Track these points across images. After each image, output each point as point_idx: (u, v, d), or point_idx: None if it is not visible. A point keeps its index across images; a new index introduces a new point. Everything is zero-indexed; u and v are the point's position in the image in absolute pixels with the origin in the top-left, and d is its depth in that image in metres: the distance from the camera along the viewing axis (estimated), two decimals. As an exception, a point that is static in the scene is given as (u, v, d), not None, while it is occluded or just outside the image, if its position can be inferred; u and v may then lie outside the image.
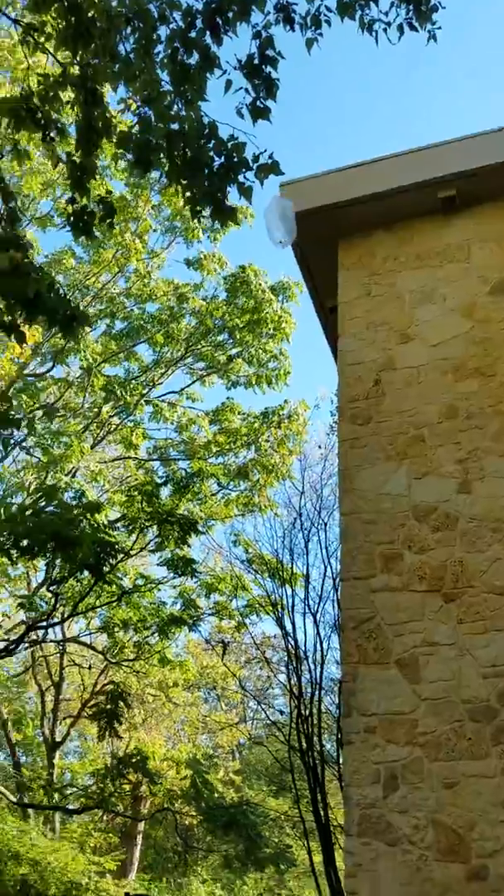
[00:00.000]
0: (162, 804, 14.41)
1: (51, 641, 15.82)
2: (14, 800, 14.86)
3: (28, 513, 7.81)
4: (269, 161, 3.99)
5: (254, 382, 14.46)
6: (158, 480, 11.22)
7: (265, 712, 13.69)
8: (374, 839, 4.94)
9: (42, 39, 3.77)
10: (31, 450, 13.34)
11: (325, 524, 10.37)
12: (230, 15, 3.54)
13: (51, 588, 9.85)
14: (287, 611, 10.38)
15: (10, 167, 11.21)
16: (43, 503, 8.29)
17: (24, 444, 13.20)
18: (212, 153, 3.78)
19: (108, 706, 10.88)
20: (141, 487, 10.01)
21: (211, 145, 3.76)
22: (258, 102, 3.75)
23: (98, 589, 10.28)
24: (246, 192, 4.03)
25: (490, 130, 6.61)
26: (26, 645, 13.18)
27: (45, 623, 11.02)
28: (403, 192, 6.94)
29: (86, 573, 8.96)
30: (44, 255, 15.29)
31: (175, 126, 3.66)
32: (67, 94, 3.87)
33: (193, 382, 15.57)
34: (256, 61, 3.69)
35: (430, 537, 5.68)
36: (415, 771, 5.03)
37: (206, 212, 4.06)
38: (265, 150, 3.89)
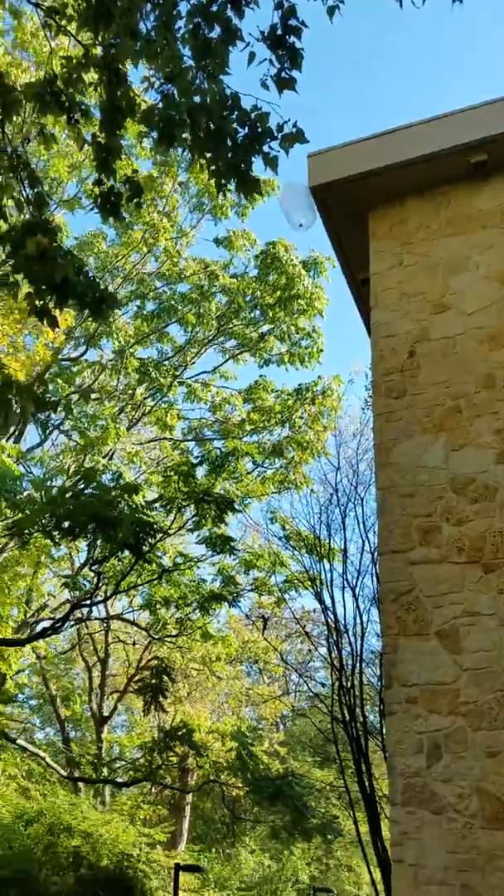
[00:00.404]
0: (208, 776, 14.67)
1: (95, 619, 16.13)
2: (64, 774, 15.25)
3: (68, 495, 7.93)
4: (294, 130, 3.95)
5: (286, 360, 14.40)
6: (194, 461, 11.29)
7: (307, 685, 13.80)
8: (418, 808, 4.99)
9: (63, 22, 3.76)
10: (69, 433, 13.51)
11: (362, 499, 10.37)
12: (251, -14, 3.50)
13: (93, 568, 10.02)
14: (326, 586, 10.44)
15: (36, 150, 11.27)
16: (82, 486, 8.41)
17: (62, 427, 13.37)
18: (235, 125, 3.75)
19: (153, 681, 11.08)
20: (177, 468, 10.09)
21: (234, 117, 3.73)
22: (283, 73, 3.71)
23: (139, 568, 10.43)
24: (271, 163, 4.00)
25: (522, 92, 6.43)
26: (72, 623, 13.46)
27: (88, 602, 11.23)
28: (434, 159, 6.79)
29: (126, 553, 9.09)
30: (74, 238, 15.37)
31: (197, 99, 3.64)
32: (91, 76, 3.87)
33: (226, 361, 15.57)
34: (279, 32, 3.64)
35: (469, 509, 5.64)
36: (458, 740, 5.05)
37: (232, 185, 4.02)
38: (289, 120, 3.85)
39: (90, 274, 4.02)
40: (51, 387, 13.52)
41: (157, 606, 12.36)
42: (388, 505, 5.96)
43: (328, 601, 10.31)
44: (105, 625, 18.13)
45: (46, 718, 23.93)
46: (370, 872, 10.07)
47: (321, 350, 14.37)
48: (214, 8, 3.47)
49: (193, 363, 15.38)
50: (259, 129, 3.79)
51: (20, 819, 13.62)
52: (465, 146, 6.54)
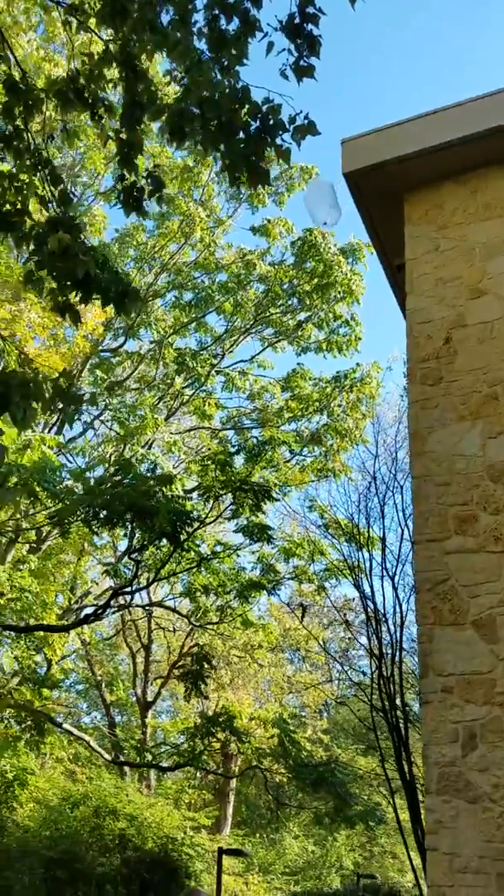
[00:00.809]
0: (250, 762, 14.81)
1: (137, 606, 16.36)
2: (109, 758, 15.55)
3: (106, 486, 8.03)
4: (306, 122, 3.94)
5: (324, 348, 14.32)
6: (231, 450, 11.33)
7: (346, 673, 13.81)
8: (454, 797, 4.97)
9: (83, 18, 3.78)
10: (109, 424, 13.68)
11: (402, 487, 10.30)
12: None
13: (132, 556, 10.16)
14: (365, 574, 10.41)
15: (72, 144, 11.34)
16: (119, 476, 8.51)
17: (101, 417, 13.54)
18: (247, 117, 3.74)
19: (194, 667, 11.21)
20: (214, 457, 10.15)
21: (245, 110, 3.72)
22: (301, 62, 3.69)
23: (178, 556, 10.55)
24: (284, 155, 3.99)
25: None
26: (114, 609, 13.68)
27: (128, 589, 11.39)
28: (471, 141, 6.66)
29: (164, 541, 9.19)
30: (115, 230, 15.50)
31: (206, 93, 3.63)
32: (112, 72, 3.89)
33: (263, 350, 15.57)
34: (297, 20, 3.61)
35: (506, 497, 5.57)
36: (493, 730, 5.02)
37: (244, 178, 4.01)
38: (301, 111, 3.84)
39: (116, 270, 4.05)
40: (91, 377, 13.72)
41: (197, 594, 12.48)
42: (423, 493, 5.91)
43: (367, 590, 10.29)
44: (147, 612, 18.38)
45: (93, 703, 24.42)
46: (410, 860, 10.08)
47: (359, 338, 14.26)
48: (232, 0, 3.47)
49: (231, 352, 15.41)
50: (271, 122, 3.78)
51: (67, 801, 13.93)
52: (501, 128, 6.40)
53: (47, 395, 3.70)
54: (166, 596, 17.99)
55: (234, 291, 14.52)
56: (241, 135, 3.76)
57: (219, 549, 12.29)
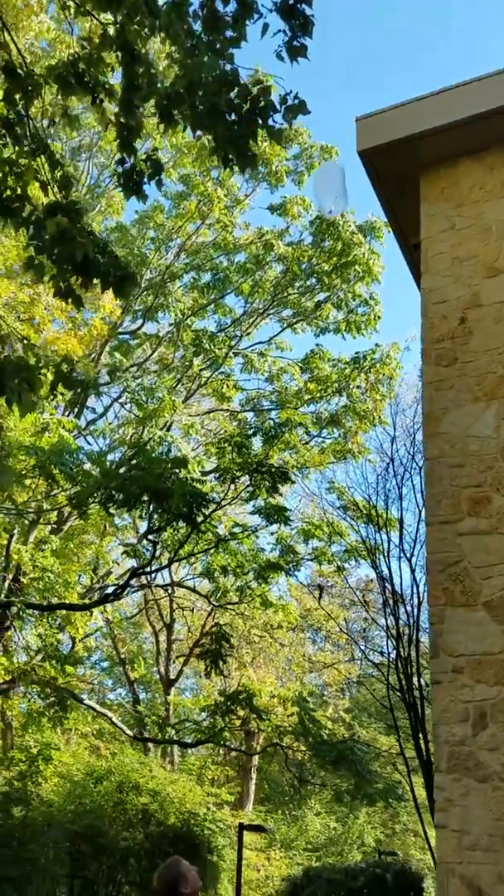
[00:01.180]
0: (271, 740, 14.96)
1: (157, 586, 16.54)
2: (132, 734, 15.80)
3: (122, 469, 8.11)
4: (296, 102, 3.92)
5: (343, 328, 14.23)
6: (248, 432, 11.35)
7: (364, 653, 13.87)
8: (464, 776, 5.01)
9: (81, 1, 3.78)
10: (129, 406, 13.75)
11: (420, 468, 10.27)
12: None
13: (149, 537, 10.27)
14: (384, 555, 10.43)
15: (88, 124, 11.33)
16: (135, 460, 8.59)
17: (120, 400, 13.63)
18: (237, 100, 3.73)
19: (213, 646, 11.34)
20: (230, 439, 10.18)
21: (235, 92, 3.71)
22: (294, 42, 3.66)
23: (196, 537, 10.63)
24: (276, 135, 3.98)
25: None
26: (134, 589, 13.84)
27: (147, 570, 11.52)
28: (488, 117, 6.55)
29: (182, 522, 9.26)
30: (134, 211, 15.49)
31: (201, 76, 3.62)
32: (111, 57, 3.89)
33: (282, 331, 15.50)
34: (291, 1, 3.58)
35: (520, 479, 5.54)
36: (504, 710, 5.04)
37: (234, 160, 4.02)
38: (291, 91, 3.83)
39: (116, 254, 4.06)
40: (109, 360, 13.79)
41: (216, 574, 12.58)
42: (436, 475, 5.90)
43: (385, 571, 10.32)
44: (168, 591, 18.58)
45: (118, 680, 24.80)
46: (426, 838, 10.16)
47: (378, 317, 14.15)
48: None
49: (250, 333, 15.36)
50: (262, 103, 3.76)
51: (91, 777, 14.19)
52: (518, 103, 6.29)
53: (46, 379, 3.75)
54: (186, 576, 18.16)
55: (252, 272, 14.45)
56: (233, 116, 3.75)
57: (237, 530, 12.36)
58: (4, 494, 9.85)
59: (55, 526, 13.54)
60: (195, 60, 3.60)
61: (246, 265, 14.62)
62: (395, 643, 9.94)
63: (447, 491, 5.78)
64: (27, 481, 10.40)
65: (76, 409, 13.48)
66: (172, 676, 21.22)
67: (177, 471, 8.44)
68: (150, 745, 17.63)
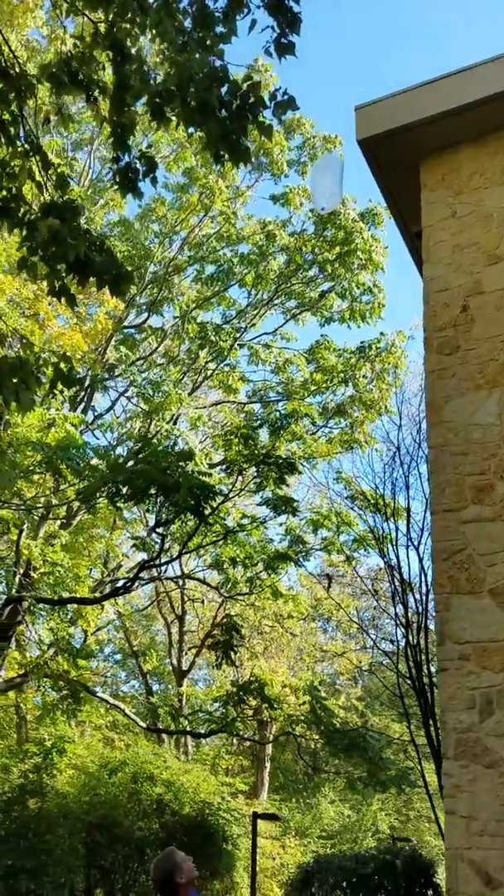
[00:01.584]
0: (283, 729, 15.05)
1: (167, 578, 16.62)
2: (145, 725, 15.93)
3: (129, 463, 8.15)
4: (286, 97, 3.95)
5: (347, 318, 14.19)
6: (255, 424, 11.37)
7: (374, 641, 13.92)
8: (471, 762, 5.04)
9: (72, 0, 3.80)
10: (135, 400, 13.78)
11: (426, 456, 10.25)
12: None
13: (157, 530, 10.32)
14: (392, 544, 10.45)
15: (87, 118, 11.30)
16: (142, 454, 8.62)
17: (126, 394, 13.66)
18: (227, 96, 3.75)
19: (224, 637, 11.41)
20: (237, 431, 10.20)
21: (225, 88, 3.73)
22: (283, 39, 3.67)
23: (204, 529, 10.68)
24: (266, 131, 4.00)
25: None
26: (145, 581, 13.91)
27: (157, 562, 11.58)
28: (487, 103, 6.53)
29: (190, 515, 9.31)
30: (137, 205, 15.48)
31: (191, 73, 3.64)
32: (103, 55, 3.90)
33: (287, 322, 15.48)
34: (279, -2, 3.60)
35: (524, 466, 5.55)
36: (511, 697, 5.06)
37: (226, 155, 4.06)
38: (280, 87, 3.85)
39: (113, 252, 4.08)
40: (115, 354, 13.82)
41: (226, 566, 12.64)
42: (440, 463, 5.91)
43: (394, 560, 10.33)
44: (178, 583, 18.67)
45: (131, 672, 24.97)
46: (438, 824, 10.21)
47: (382, 305, 14.10)
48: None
49: (255, 325, 15.35)
50: (251, 99, 3.77)
51: (105, 768, 14.31)
52: (517, 88, 6.25)
53: (44, 378, 3.78)
54: (196, 568, 18.24)
55: (255, 263, 14.43)
56: (224, 112, 3.76)
57: (245, 521, 12.40)
58: (13, 490, 9.92)
59: (64, 521, 13.63)
60: (185, 57, 3.61)
61: (249, 256, 14.60)
62: (404, 631, 9.97)
63: (451, 479, 5.79)
64: (35, 477, 10.47)
65: (82, 405, 13.53)
66: (185, 667, 21.35)
67: (183, 464, 8.48)
68: (164, 735, 17.76)
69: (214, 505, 9.13)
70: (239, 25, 3.63)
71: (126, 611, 19.23)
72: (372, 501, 11.13)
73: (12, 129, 3.85)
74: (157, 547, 11.21)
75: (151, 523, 14.36)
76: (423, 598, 9.73)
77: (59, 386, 4.00)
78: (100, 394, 14.07)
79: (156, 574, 14.49)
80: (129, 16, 3.61)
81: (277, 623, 18.34)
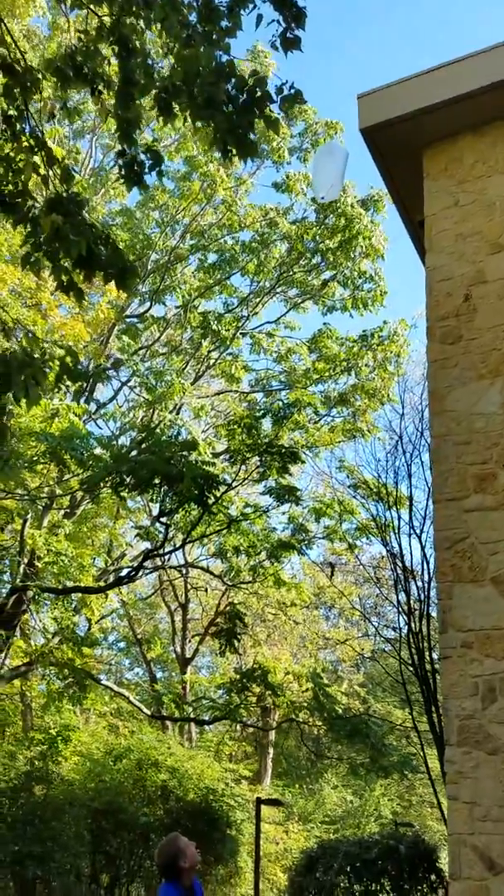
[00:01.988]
0: (286, 715, 15.15)
1: (171, 567, 16.69)
2: (149, 712, 16.05)
3: (132, 453, 8.18)
4: (292, 91, 3.95)
5: (349, 306, 14.16)
6: (258, 413, 11.39)
7: (376, 628, 13.99)
8: (474, 749, 5.09)
9: (76, -6, 3.79)
10: (138, 390, 13.79)
11: (428, 445, 10.28)
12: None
13: (160, 520, 10.36)
14: (395, 532, 10.49)
15: (88, 108, 11.24)
16: (144, 443, 8.64)
17: (129, 384, 13.66)
18: (234, 91, 3.75)
19: (227, 625, 11.48)
20: (240, 421, 10.23)
21: (232, 83, 3.73)
22: (288, 34, 3.67)
23: (208, 518, 10.72)
24: (273, 125, 4.00)
25: None
26: (149, 570, 13.97)
27: (161, 551, 11.63)
28: (489, 92, 6.50)
29: (194, 504, 9.34)
30: (139, 193, 15.41)
31: (198, 68, 3.64)
32: (108, 50, 3.90)
33: (289, 310, 15.45)
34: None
35: (526, 455, 5.56)
36: (513, 684, 5.11)
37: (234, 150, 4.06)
38: (287, 81, 3.85)
39: (117, 246, 4.09)
40: (118, 344, 13.83)
41: (229, 555, 12.69)
42: (443, 453, 5.93)
43: (396, 548, 10.39)
44: (182, 572, 18.75)
45: (135, 660, 25.12)
46: (441, 809, 10.31)
47: (385, 292, 14.07)
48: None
49: (257, 313, 15.32)
50: (258, 94, 3.78)
51: (110, 755, 14.43)
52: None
53: (52, 372, 3.80)
54: (200, 557, 18.31)
55: (257, 251, 14.38)
56: (231, 107, 3.77)
57: (248, 510, 12.45)
58: (17, 480, 9.95)
59: (68, 510, 13.68)
60: (191, 52, 3.61)
61: (251, 244, 14.55)
62: (406, 619, 10.04)
63: (454, 468, 5.81)
64: (39, 467, 10.51)
65: (85, 395, 13.55)
66: (188, 655, 21.47)
67: (186, 453, 8.50)
68: (168, 722, 17.89)
69: (218, 494, 9.17)
70: (245, 21, 3.64)
71: (130, 599, 19.33)
72: (374, 490, 11.18)
73: (17, 125, 3.86)
74: (160, 536, 11.27)
75: (155, 513, 14.44)
76: (426, 585, 9.79)
77: (65, 380, 4.03)
78: (102, 384, 14.08)
79: (159, 563, 14.55)
80: (134, 10, 3.60)
81: (280, 611, 18.43)
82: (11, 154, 3.85)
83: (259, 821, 12.58)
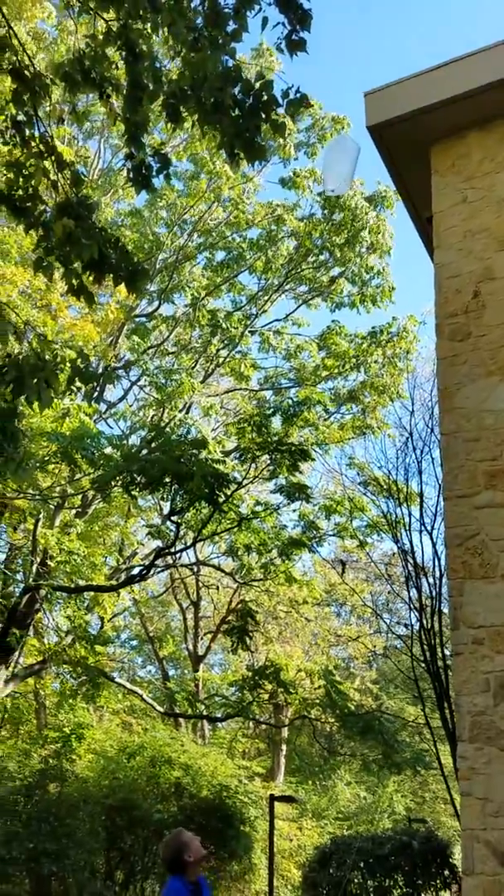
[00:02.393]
0: (298, 712, 15.19)
1: (182, 565, 16.75)
2: (162, 710, 16.12)
3: (143, 452, 8.23)
4: (298, 95, 3.98)
5: (358, 302, 14.15)
6: (267, 411, 11.42)
7: (388, 625, 14.00)
8: (486, 744, 5.11)
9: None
10: (148, 388, 13.84)
11: (439, 442, 10.27)
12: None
13: (171, 518, 10.41)
14: (406, 528, 10.50)
15: (98, 109, 11.24)
16: (155, 443, 8.69)
17: (139, 383, 13.71)
18: (240, 95, 3.79)
19: (239, 623, 11.52)
20: (250, 419, 10.26)
21: (239, 87, 3.77)
22: (293, 35, 3.69)
23: (218, 516, 10.76)
24: (280, 128, 4.03)
25: None
26: (160, 569, 14.03)
27: (172, 550, 11.68)
28: (497, 87, 6.50)
29: (204, 503, 9.38)
30: (147, 194, 15.44)
31: (204, 72, 3.67)
32: (115, 54, 3.93)
33: (298, 307, 15.46)
34: (289, -7, 3.61)
35: (536, 452, 5.57)
36: (525, 680, 5.12)
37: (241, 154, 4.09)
38: (293, 86, 3.88)
39: (127, 249, 4.12)
40: (127, 343, 13.88)
41: (240, 552, 12.73)
42: (452, 450, 5.95)
43: (407, 544, 10.39)
44: (193, 570, 18.81)
45: (147, 657, 25.23)
46: (453, 804, 10.32)
47: (393, 288, 14.04)
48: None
49: (266, 311, 15.34)
50: (264, 98, 3.81)
51: (123, 752, 14.50)
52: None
53: (63, 376, 3.84)
54: (211, 555, 18.36)
55: (265, 248, 14.38)
56: (237, 111, 3.80)
57: (259, 508, 12.48)
58: (29, 480, 10.03)
59: (80, 509, 13.75)
60: (198, 56, 3.64)
61: (259, 241, 14.54)
62: (418, 615, 10.04)
63: (464, 465, 5.83)
64: (50, 467, 10.58)
65: (95, 394, 13.61)
66: (201, 653, 21.54)
67: (197, 452, 8.54)
68: (181, 720, 17.96)
69: (228, 492, 9.20)
70: (250, 22, 3.66)
71: (142, 598, 19.40)
72: (385, 487, 11.18)
73: (27, 130, 3.90)
74: (171, 534, 11.31)
75: (166, 511, 14.50)
76: (437, 582, 9.79)
77: (77, 382, 4.07)
78: (112, 385, 14.13)
79: (171, 561, 14.62)
80: (141, 14, 3.63)
81: (292, 608, 18.46)
82: (21, 159, 3.89)
83: (273, 817, 12.63)
